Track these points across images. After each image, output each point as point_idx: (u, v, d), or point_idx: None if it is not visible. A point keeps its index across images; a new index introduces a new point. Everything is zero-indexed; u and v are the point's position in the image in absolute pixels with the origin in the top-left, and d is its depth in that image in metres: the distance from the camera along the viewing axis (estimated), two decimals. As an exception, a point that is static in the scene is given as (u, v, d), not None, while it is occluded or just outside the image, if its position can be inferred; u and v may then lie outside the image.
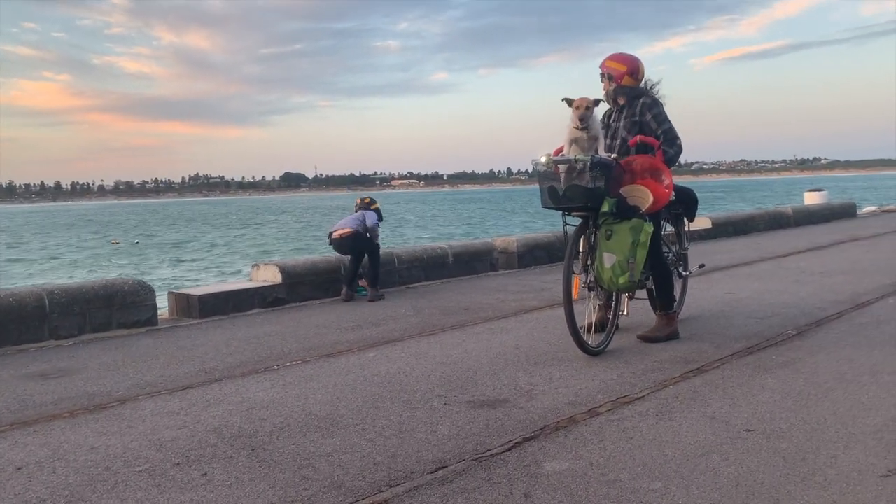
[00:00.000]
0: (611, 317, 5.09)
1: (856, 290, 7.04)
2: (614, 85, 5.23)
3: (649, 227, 4.74)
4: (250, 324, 6.54)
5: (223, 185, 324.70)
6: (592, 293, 5.01)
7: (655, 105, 5.19)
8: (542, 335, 5.56)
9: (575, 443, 3.26)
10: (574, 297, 4.72)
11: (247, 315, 7.01)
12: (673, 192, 5.24)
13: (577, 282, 4.79)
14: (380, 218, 8.08)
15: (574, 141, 4.77)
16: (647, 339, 5.21)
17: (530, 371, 4.51)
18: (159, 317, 6.91)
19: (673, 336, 5.25)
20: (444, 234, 39.67)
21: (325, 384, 4.39)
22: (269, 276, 7.61)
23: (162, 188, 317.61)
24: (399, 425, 3.58)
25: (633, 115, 5.20)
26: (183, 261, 29.58)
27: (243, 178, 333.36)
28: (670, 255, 5.68)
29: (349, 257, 7.82)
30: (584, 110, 4.77)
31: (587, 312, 5.09)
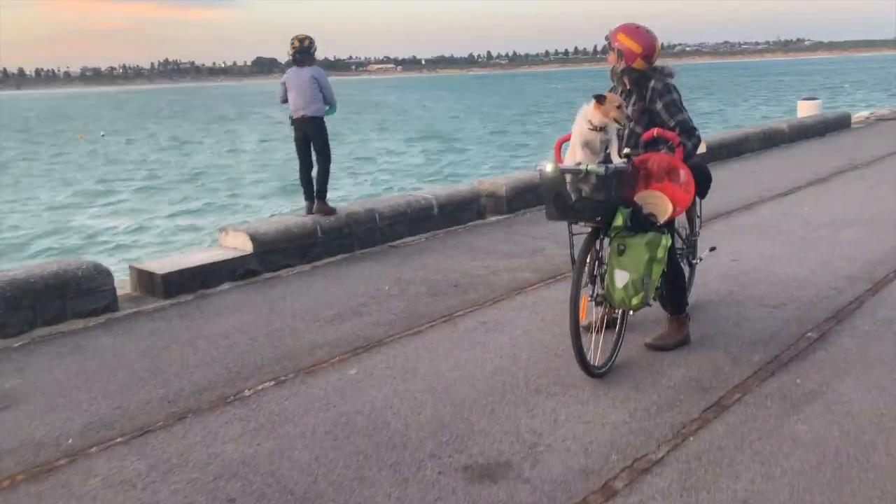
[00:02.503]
0: (616, 329, 4.60)
1: (869, 257, 6.61)
2: (623, 65, 4.51)
3: (667, 241, 4.18)
4: (219, 310, 5.99)
5: (194, 72, 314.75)
6: (600, 307, 4.52)
7: (667, 92, 4.46)
8: (539, 336, 5.08)
9: (592, 554, 2.84)
10: (581, 319, 4.21)
11: (216, 293, 6.45)
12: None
13: (585, 301, 4.27)
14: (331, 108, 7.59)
15: (586, 143, 4.09)
16: (655, 347, 4.75)
17: (531, 407, 4.05)
18: (120, 293, 6.35)
19: (683, 342, 4.80)
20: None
21: (301, 430, 3.91)
22: (239, 243, 7.00)
23: (131, 75, 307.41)
24: (388, 514, 3.13)
25: (640, 100, 4.51)
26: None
27: (214, 63, 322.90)
28: (684, 249, 5.15)
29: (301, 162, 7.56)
30: (618, 111, 4.05)
31: (593, 315, 4.62)
